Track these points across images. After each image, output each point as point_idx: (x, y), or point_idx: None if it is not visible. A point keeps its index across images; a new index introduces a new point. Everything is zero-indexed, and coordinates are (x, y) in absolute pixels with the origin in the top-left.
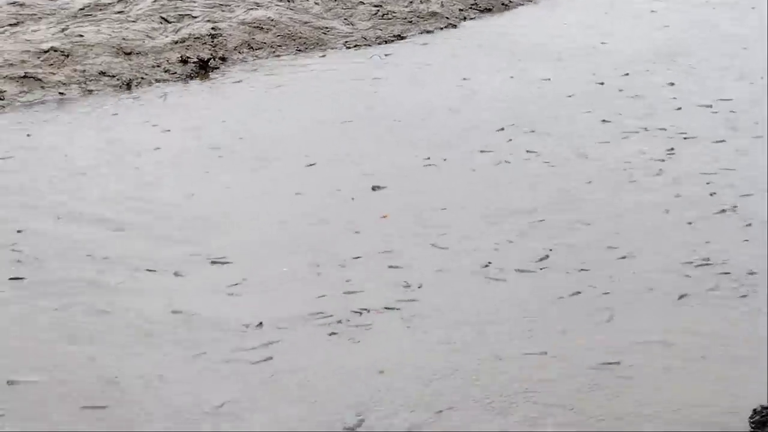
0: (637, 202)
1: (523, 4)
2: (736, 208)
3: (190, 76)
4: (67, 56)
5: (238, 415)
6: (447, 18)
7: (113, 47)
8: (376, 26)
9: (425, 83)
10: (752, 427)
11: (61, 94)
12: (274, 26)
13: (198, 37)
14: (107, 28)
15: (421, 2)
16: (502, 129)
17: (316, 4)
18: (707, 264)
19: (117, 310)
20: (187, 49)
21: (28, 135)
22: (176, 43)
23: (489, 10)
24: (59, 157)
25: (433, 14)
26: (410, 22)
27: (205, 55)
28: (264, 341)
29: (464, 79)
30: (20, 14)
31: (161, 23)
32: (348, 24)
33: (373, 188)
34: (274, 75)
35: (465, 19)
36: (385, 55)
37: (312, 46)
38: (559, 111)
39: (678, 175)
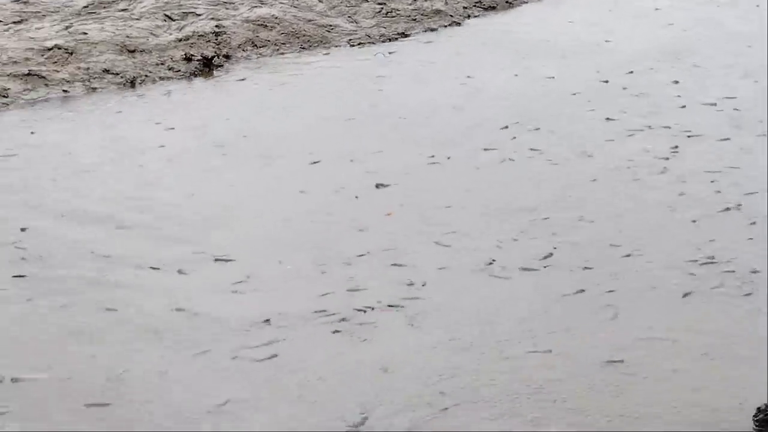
0: (642, 200)
1: (527, 2)
2: (741, 207)
3: (194, 74)
4: (71, 54)
5: (241, 412)
6: (451, 16)
7: (117, 45)
8: (380, 24)
9: (429, 81)
10: (756, 425)
11: (65, 91)
12: (278, 24)
13: (202, 35)
14: (111, 25)
15: (425, 0)
16: (506, 127)
17: (320, 2)
18: (712, 262)
19: (121, 308)
20: (191, 46)
21: (31, 133)
22: (180, 40)
23: (493, 8)
24: (63, 155)
25: (437, 12)
26: (414, 20)
27: (209, 53)
28: (267, 339)
29: (468, 76)
30: (24, 12)
31: (165, 21)
32: (352, 22)
33: (377, 186)
34: (277, 73)
35: (469, 17)
36: (389, 53)
37: (316, 44)
38: (564, 109)
39: (682, 173)
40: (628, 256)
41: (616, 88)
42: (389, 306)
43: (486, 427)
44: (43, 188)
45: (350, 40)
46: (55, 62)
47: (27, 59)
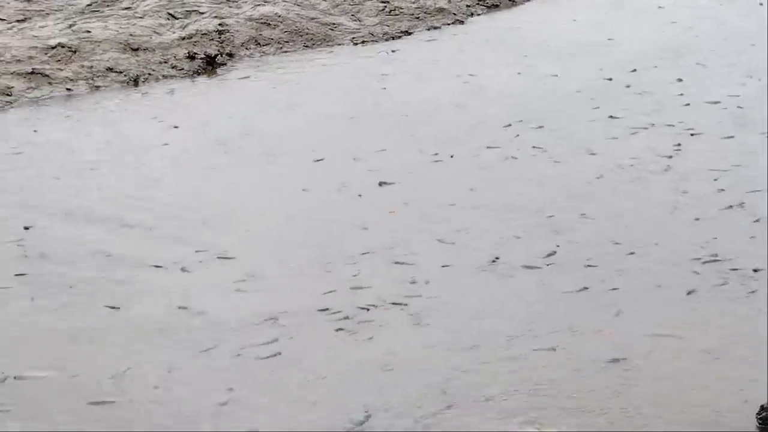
0: (645, 198)
1: (530, 0)
2: (744, 205)
3: (197, 72)
4: (75, 52)
5: (244, 411)
6: (454, 14)
7: (120, 43)
8: (383, 22)
9: (432, 79)
10: (759, 423)
11: (68, 90)
12: (281, 22)
13: (205, 33)
14: (114, 24)
15: None
16: (509, 125)
17: (324, 0)
18: (715, 260)
19: (124, 306)
20: (194, 45)
21: (35, 131)
22: (183, 39)
23: (496, 6)
24: (66, 153)
25: (440, 10)
26: (417, 18)
27: (212, 51)
28: (270, 337)
29: (471, 74)
30: (28, 10)
31: (168, 19)
32: (355, 20)
33: (380, 184)
34: (281, 71)
35: (472, 14)
36: (392, 51)
37: (319, 42)
38: (567, 107)
39: (685, 171)
40: (631, 254)
41: (619, 87)
42: (392, 304)
43: (489, 426)
44: (46, 186)
45: (353, 38)
46: (59, 60)
47: (30, 57)
